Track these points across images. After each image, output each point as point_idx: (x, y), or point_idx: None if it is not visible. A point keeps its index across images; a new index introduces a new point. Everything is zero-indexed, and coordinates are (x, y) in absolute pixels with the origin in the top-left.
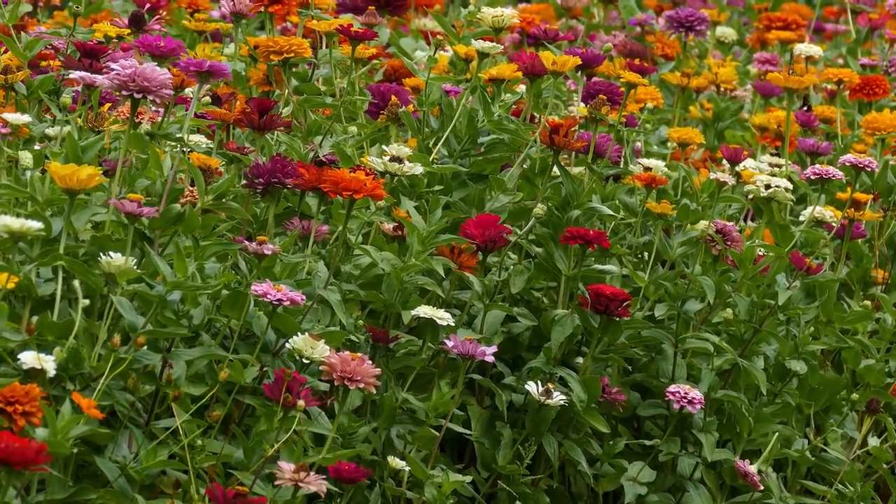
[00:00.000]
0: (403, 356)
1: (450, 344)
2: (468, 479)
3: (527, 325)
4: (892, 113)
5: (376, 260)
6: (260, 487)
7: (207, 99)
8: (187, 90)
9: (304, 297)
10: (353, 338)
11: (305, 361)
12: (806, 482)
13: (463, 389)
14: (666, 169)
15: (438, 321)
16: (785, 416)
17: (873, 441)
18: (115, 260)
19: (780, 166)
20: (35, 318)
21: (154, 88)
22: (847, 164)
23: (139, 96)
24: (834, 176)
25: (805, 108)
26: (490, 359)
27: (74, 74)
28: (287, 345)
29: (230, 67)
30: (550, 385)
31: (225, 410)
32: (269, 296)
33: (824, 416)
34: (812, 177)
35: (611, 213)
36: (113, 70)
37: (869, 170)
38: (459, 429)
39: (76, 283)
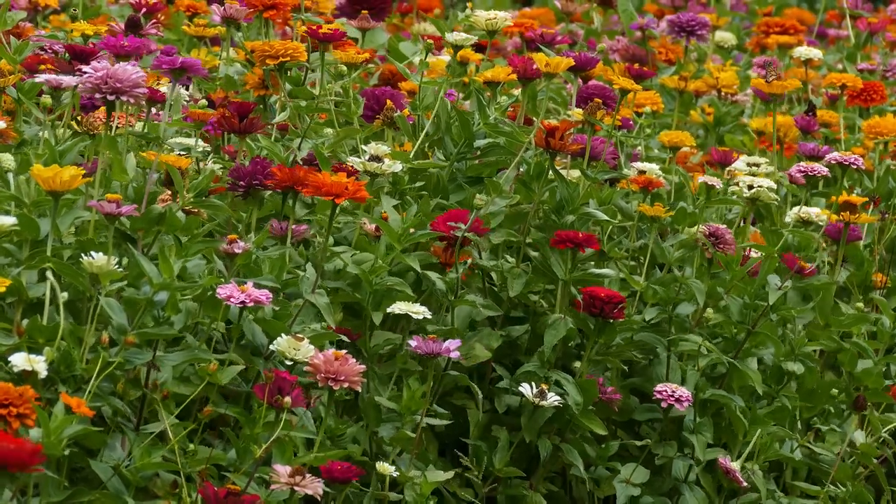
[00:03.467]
0: (385, 355)
1: (413, 344)
2: (449, 474)
3: (525, 329)
4: (894, 117)
5: (347, 262)
6: (253, 489)
7: (204, 102)
8: (163, 89)
9: (269, 297)
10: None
11: (289, 363)
12: (799, 483)
13: (461, 392)
14: (660, 172)
15: (413, 315)
16: (782, 419)
17: (859, 436)
18: (98, 260)
19: (757, 165)
20: (25, 322)
21: (127, 89)
22: (833, 161)
23: (112, 98)
24: (819, 173)
25: (809, 113)
26: (455, 354)
27: (41, 77)
28: (271, 347)
29: (221, 70)
30: (544, 386)
31: (212, 411)
32: (233, 298)
33: (820, 419)
34: (797, 174)
35: (606, 217)
36: (86, 73)
37: (855, 167)
38: (436, 422)
39: (49, 273)
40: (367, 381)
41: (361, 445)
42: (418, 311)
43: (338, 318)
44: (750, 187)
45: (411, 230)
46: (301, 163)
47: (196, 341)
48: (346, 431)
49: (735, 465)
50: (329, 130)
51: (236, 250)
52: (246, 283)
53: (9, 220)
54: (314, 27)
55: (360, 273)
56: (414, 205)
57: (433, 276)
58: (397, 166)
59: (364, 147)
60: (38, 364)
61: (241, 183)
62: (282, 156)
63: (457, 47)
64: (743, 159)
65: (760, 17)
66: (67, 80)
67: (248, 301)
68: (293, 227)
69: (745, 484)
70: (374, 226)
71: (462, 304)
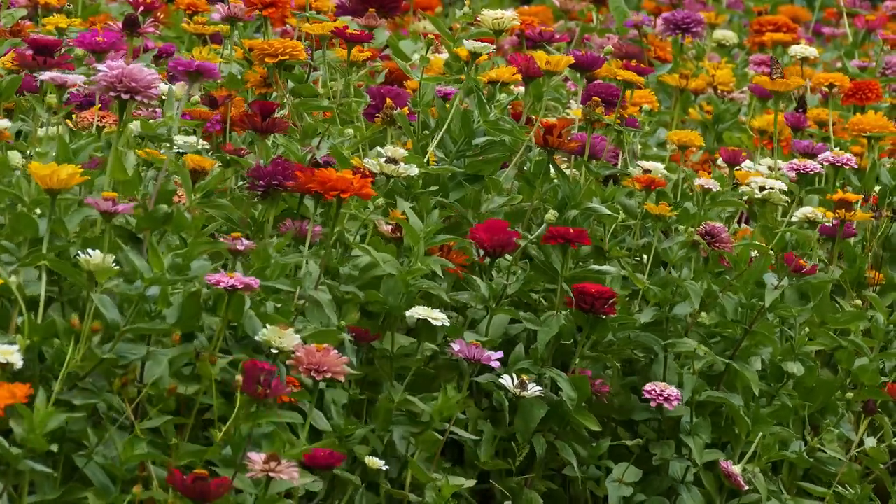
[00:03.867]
0: (400, 357)
1: (455, 348)
2: (471, 482)
3: (524, 327)
4: (876, 114)
5: (378, 261)
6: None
7: (196, 98)
8: (176, 90)
9: (258, 282)
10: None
11: (274, 352)
12: (803, 484)
13: None
14: (664, 171)
15: (433, 321)
16: (783, 418)
17: (870, 441)
18: (94, 258)
19: (780, 169)
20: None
21: (142, 89)
22: (825, 162)
23: (126, 97)
24: (812, 171)
25: (800, 111)
26: (496, 364)
27: (46, 75)
28: (256, 337)
29: (223, 68)
30: (525, 377)
31: (196, 407)
32: (222, 283)
33: (820, 417)
34: (789, 172)
35: (609, 212)
36: (100, 71)
37: (847, 167)
38: (465, 434)
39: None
40: (385, 382)
41: (372, 445)
42: (438, 317)
43: (354, 319)
44: (762, 188)
45: (438, 236)
46: (322, 163)
47: (206, 341)
48: (354, 432)
49: (737, 469)
50: (350, 130)
51: (239, 247)
52: (236, 272)
53: None
54: (342, 27)
55: (398, 274)
56: (427, 208)
57: (479, 281)
58: (413, 169)
59: (379, 148)
60: (12, 355)
61: (261, 183)
62: (299, 154)
63: (475, 55)
64: (765, 161)
65: (756, 14)
66: (73, 77)
67: (238, 285)
68: (312, 229)
69: (746, 487)
70: (389, 227)
71: (502, 313)
